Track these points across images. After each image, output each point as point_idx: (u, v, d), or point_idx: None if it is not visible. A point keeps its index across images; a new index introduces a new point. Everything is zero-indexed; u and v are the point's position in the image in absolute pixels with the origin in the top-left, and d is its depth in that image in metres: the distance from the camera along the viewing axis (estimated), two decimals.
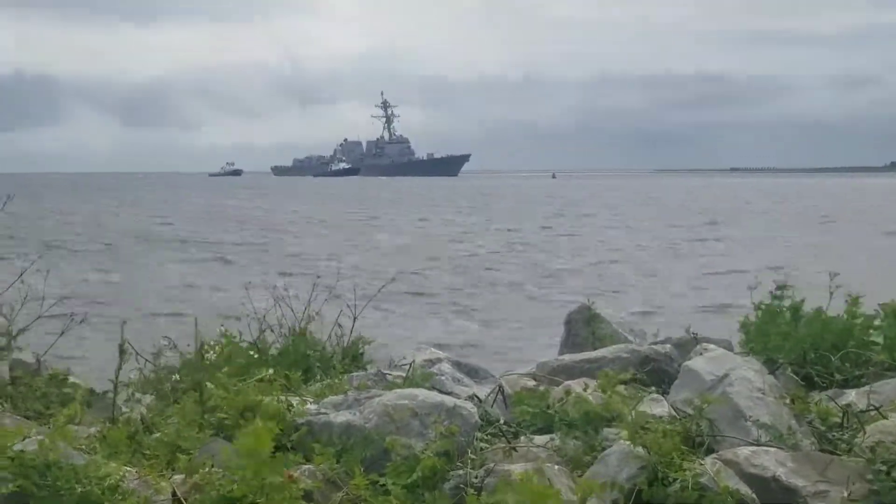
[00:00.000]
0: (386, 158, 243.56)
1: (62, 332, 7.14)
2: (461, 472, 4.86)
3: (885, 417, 5.38)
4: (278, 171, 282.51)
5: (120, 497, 4.49)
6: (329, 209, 73.02)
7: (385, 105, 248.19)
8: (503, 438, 5.47)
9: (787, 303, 6.71)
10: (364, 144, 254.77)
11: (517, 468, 4.74)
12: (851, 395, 5.93)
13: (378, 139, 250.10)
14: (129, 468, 4.83)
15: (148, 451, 5.22)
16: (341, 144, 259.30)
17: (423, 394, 5.41)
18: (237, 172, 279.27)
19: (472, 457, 5.07)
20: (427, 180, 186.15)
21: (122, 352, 5.67)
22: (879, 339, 6.49)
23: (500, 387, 6.24)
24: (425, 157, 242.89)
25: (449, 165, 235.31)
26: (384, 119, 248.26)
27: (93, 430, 5.58)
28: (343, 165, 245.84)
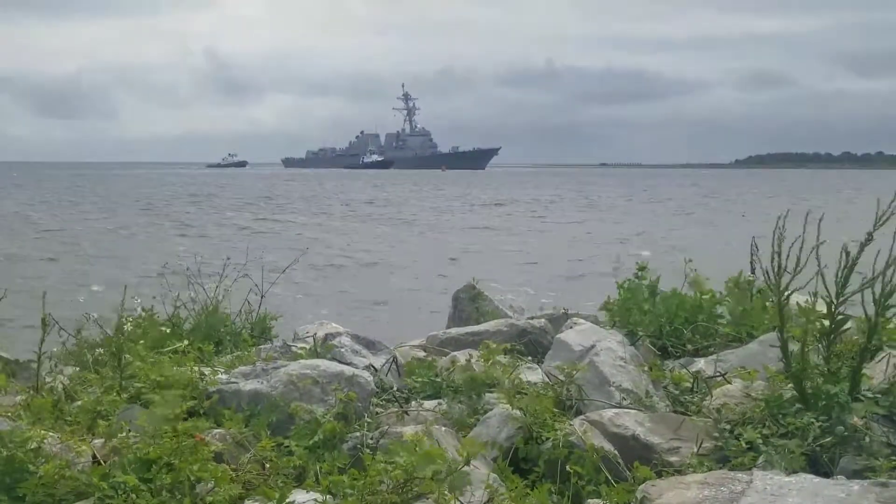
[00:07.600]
0: (409, 151, 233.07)
1: None
2: (358, 434, 5.05)
3: (729, 382, 5.73)
4: (289, 162, 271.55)
5: (42, 460, 4.49)
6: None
7: (406, 97, 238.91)
8: (396, 403, 5.70)
9: (645, 282, 7.16)
10: (383, 137, 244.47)
11: (408, 430, 4.95)
12: (701, 363, 6.32)
13: (399, 132, 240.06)
14: (51, 433, 4.85)
15: (70, 418, 5.30)
16: (358, 137, 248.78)
17: (324, 364, 5.61)
18: (242, 164, 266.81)
19: (369, 420, 5.27)
20: (467, 174, 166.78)
21: (44, 324, 5.75)
22: (725, 314, 6.98)
23: (394, 357, 6.46)
24: (449, 151, 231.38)
25: (476, 159, 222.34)
26: (405, 111, 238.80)
27: (17, 398, 5.67)
28: (376, 157, 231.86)
